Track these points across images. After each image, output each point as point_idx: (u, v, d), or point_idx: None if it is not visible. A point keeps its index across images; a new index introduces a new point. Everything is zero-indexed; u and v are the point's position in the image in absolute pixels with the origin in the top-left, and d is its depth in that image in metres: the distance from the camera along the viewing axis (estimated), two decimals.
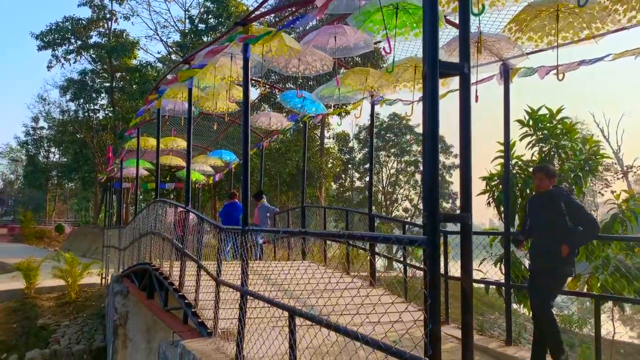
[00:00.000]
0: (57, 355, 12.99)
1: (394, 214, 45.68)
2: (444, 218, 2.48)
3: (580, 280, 6.33)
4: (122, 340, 12.14)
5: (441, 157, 44.71)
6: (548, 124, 6.92)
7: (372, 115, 9.14)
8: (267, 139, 13.52)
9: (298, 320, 4.21)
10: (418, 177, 46.12)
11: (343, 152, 46.48)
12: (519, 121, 7.08)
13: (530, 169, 6.96)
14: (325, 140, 38.03)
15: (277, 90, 12.15)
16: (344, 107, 11.29)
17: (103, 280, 17.10)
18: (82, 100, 36.02)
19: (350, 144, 46.89)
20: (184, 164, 16.39)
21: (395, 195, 46.91)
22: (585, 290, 6.16)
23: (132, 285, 11.80)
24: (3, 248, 29.23)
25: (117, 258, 14.86)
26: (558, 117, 6.84)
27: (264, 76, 11.48)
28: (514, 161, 7.11)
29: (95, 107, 36.86)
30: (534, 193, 5.17)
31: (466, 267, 2.53)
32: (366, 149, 46.26)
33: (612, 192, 6.84)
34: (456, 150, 43.64)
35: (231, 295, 6.82)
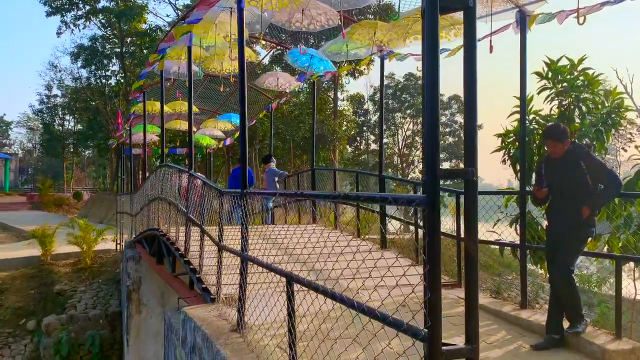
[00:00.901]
0: (74, 320, 13.16)
1: (410, 176, 45.26)
2: (444, 174, 2.18)
3: (600, 240, 6.01)
4: (136, 305, 12.22)
5: (458, 118, 43.93)
6: (568, 76, 6.47)
7: (381, 70, 8.72)
8: (276, 101, 13.16)
9: (299, 286, 3.99)
10: None
11: (358, 115, 45.83)
12: (537, 73, 6.63)
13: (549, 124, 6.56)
14: (339, 103, 37.47)
15: (286, 50, 11.72)
16: (356, 65, 10.92)
17: (118, 246, 17.20)
18: (93, 67, 35.76)
19: (365, 106, 46.18)
20: (195, 128, 16.17)
21: (411, 157, 46.40)
22: (605, 251, 5.84)
23: (143, 251, 11.78)
24: (22, 215, 29.63)
25: (130, 224, 14.86)
26: (579, 68, 6.38)
27: (274, 36, 11.08)
28: (531, 117, 6.71)
29: (107, 73, 36.59)
30: (538, 195, 4.84)
31: (470, 229, 2.25)
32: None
33: (637, 146, 6.44)
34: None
35: (235, 260, 6.67)
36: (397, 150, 46.21)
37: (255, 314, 4.76)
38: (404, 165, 45.71)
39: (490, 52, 5.70)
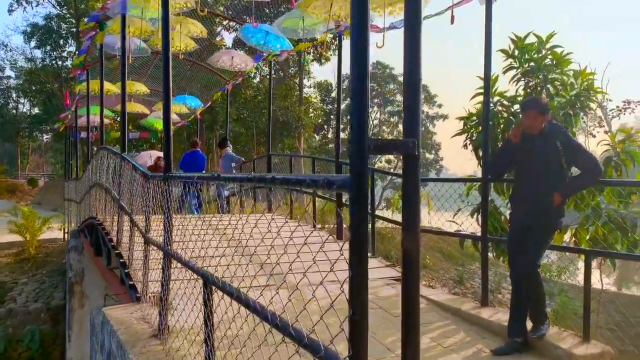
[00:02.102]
0: (12, 314, 12.21)
1: (377, 166, 44.91)
2: (375, 147, 1.58)
3: (567, 232, 5.57)
4: (79, 299, 11.39)
5: (424, 107, 43.74)
6: (536, 55, 5.99)
7: (339, 48, 8.11)
8: (232, 82, 12.40)
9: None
10: (401, 127, 45.06)
11: (325, 103, 45.15)
12: (503, 51, 6.13)
13: (515, 107, 6.09)
14: (306, 90, 36.74)
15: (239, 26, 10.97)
16: (314, 44, 10.24)
17: (65, 235, 16.22)
18: (48, 47, 34.07)
19: (333, 94, 45.45)
20: (147, 111, 15.28)
21: None
22: (572, 244, 5.40)
23: (86, 241, 10.96)
24: None
25: (76, 212, 13.94)
26: (548, 46, 5.91)
27: (231, 9, 10.35)
28: (495, 98, 6.21)
29: (63, 54, 34.94)
30: (515, 135, 4.29)
31: (409, 221, 1.66)
32: (350, 99, 44.97)
33: (606, 132, 6.01)
34: (440, 99, 42.72)
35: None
36: None
37: (184, 316, 4.13)
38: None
39: (452, 22, 5.16)
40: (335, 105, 45.20)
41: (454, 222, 5.92)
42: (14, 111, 43.57)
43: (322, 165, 11.29)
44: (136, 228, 5.39)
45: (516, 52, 6.09)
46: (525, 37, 6.02)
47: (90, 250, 9.91)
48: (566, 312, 13.53)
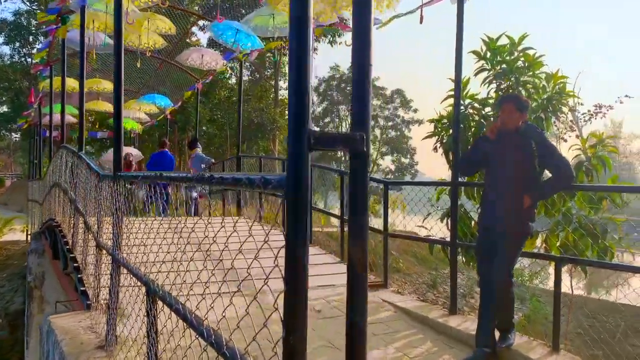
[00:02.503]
0: None
1: None
2: (317, 141, 1.37)
3: (538, 238, 5.45)
4: (38, 304, 10.91)
5: (400, 112, 43.87)
6: (508, 57, 5.88)
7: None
8: (202, 80, 12.08)
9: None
10: (377, 132, 45.20)
11: None
12: (475, 52, 6.00)
13: (487, 110, 5.96)
14: (283, 92, 36.44)
15: (207, 23, 10.68)
16: (285, 43, 10.01)
17: (28, 237, 15.65)
18: (17, 44, 33.13)
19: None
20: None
21: None
22: (543, 250, 5.28)
23: (47, 243, 10.52)
24: None
25: (39, 213, 13.43)
26: (520, 48, 5.79)
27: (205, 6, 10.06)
28: (467, 101, 6.08)
29: (33, 51, 33.97)
30: (492, 130, 4.14)
31: (356, 230, 1.45)
32: (326, 102, 44.89)
33: (577, 136, 5.94)
34: (416, 104, 42.86)
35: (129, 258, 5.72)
36: None
37: (135, 326, 3.86)
38: (347, 157, 45.28)
39: (421, 22, 5.01)
40: (313, 108, 45.08)
41: (423, 226, 5.75)
42: None
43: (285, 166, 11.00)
44: (89, 231, 5.09)
45: (488, 54, 5.96)
46: (498, 38, 5.90)
47: (50, 254, 9.50)
48: (537, 316, 13.52)
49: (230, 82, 26.14)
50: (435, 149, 5.97)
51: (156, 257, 3.47)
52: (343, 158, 45.00)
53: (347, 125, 45.18)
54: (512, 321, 4.09)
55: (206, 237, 2.21)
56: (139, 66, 10.46)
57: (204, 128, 22.54)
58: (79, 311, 4.88)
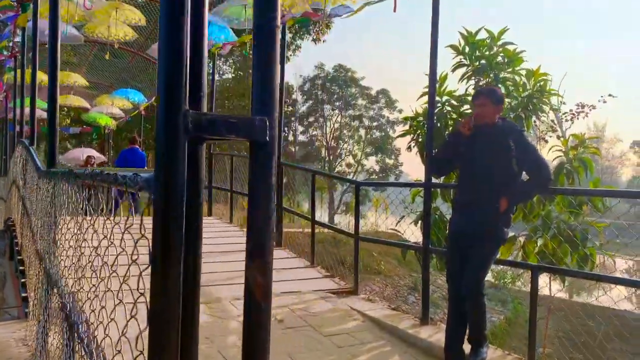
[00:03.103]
0: None
1: (336, 170, 44.46)
2: (198, 126, 1.00)
3: (515, 244, 5.15)
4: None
5: (385, 112, 43.66)
6: (487, 52, 5.57)
7: (283, 41, 7.54)
8: None
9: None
10: (362, 131, 44.96)
11: (286, 104, 44.48)
12: (453, 47, 5.69)
13: (465, 107, 5.65)
14: None
15: None
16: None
17: None
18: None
19: (294, 96, 44.85)
20: (87, 104, 14.34)
21: (339, 150, 45.71)
22: (520, 257, 4.97)
23: (8, 243, 10.02)
24: None
25: (3, 210, 12.89)
26: (500, 42, 5.49)
27: None
28: (444, 98, 5.76)
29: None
30: (464, 125, 3.82)
31: (256, 248, 1.10)
32: (311, 101, 44.54)
33: (559, 137, 5.66)
34: (401, 105, 42.70)
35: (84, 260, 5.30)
36: (325, 143, 45.36)
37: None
38: (332, 157, 44.98)
39: (394, 10, 4.69)
40: (297, 107, 44.73)
41: (396, 230, 5.43)
42: None
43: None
44: (31, 232, 4.68)
45: (467, 49, 5.66)
46: (477, 32, 5.60)
47: (8, 254, 9.02)
48: (518, 319, 13.34)
49: (208, 78, 25.65)
50: (409, 147, 5.65)
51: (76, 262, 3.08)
52: (328, 158, 44.74)
53: (332, 125, 44.91)
54: (484, 333, 3.76)
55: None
56: (107, 58, 10.00)
57: None
58: (18, 320, 4.47)
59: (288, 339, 4.23)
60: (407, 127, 6.03)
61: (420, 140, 5.72)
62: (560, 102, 5.56)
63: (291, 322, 4.61)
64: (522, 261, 4.58)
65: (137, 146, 10.71)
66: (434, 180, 4.89)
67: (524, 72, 5.55)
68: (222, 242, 7.02)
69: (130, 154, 10.54)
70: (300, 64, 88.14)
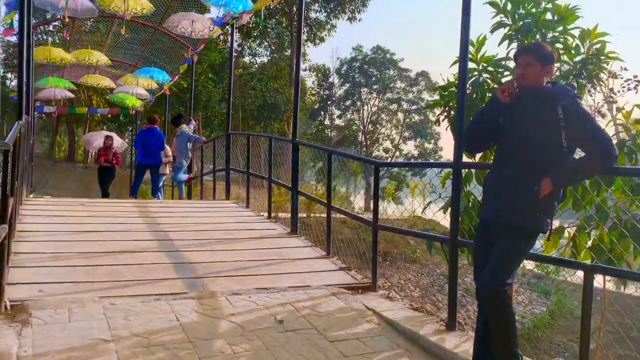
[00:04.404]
0: None
1: (374, 155, 43.44)
2: None
3: (563, 235, 4.32)
4: None
5: (425, 95, 42.28)
6: (533, 9, 4.71)
7: (300, 5, 6.81)
8: (192, 49, 11.06)
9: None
10: (400, 115, 43.76)
11: (323, 88, 43.69)
12: (492, 4, 4.84)
13: (506, 74, 4.81)
14: (301, 73, 35.26)
15: None
16: (311, 27, 8.94)
17: None
18: (34, 20, 32.60)
19: (331, 79, 43.93)
20: (113, 84, 13.99)
21: (376, 135, 44.63)
22: (570, 251, 4.14)
23: None
24: None
25: None
26: None
27: None
28: (481, 65, 4.93)
29: (49, 28, 33.47)
30: (504, 90, 3.04)
31: None
32: (348, 84, 43.51)
33: (619, 109, 4.75)
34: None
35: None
36: (362, 127, 44.37)
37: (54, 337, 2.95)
38: (368, 142, 43.98)
39: None
40: (333, 91, 43.82)
41: (420, 217, 4.67)
42: None
43: (315, 152, 10.20)
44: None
45: (508, 6, 4.80)
46: None
47: None
48: (562, 311, 12.46)
49: (243, 60, 25.18)
50: (437, 121, 4.86)
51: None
52: (364, 143, 43.74)
53: (370, 109, 43.82)
54: (513, 350, 2.96)
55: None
56: (123, 33, 9.50)
57: (213, 107, 21.61)
58: None
59: (285, 344, 3.57)
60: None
61: (452, 114, 4.92)
62: (622, 68, 4.65)
63: (293, 323, 3.95)
64: (572, 259, 3.75)
65: (156, 125, 10.23)
66: (465, 159, 4.11)
67: (577, 33, 4.66)
68: (231, 227, 6.42)
69: (149, 132, 10.10)
70: (337, 46, 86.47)
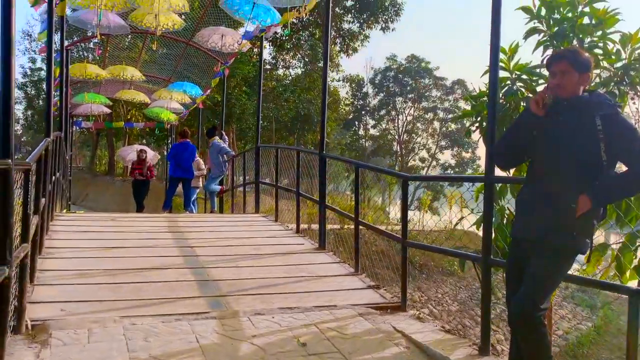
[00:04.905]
0: None
1: (410, 164, 43.02)
2: None
3: (606, 253, 4.03)
4: None
5: (462, 104, 41.58)
6: (569, 13, 4.46)
7: (327, 17, 6.71)
8: (223, 62, 11.11)
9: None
10: (437, 124, 43.23)
11: (357, 98, 43.59)
12: (524, 9, 4.61)
13: (541, 82, 4.58)
14: (334, 83, 35.28)
15: None
16: (344, 38, 8.85)
17: None
18: (75, 38, 33.78)
19: (365, 89, 43.79)
20: (147, 99, 14.24)
21: (411, 145, 44.18)
22: (611, 274, 3.86)
23: None
24: None
25: None
26: (586, 1, 4.37)
27: None
28: (515, 73, 4.71)
29: (90, 45, 34.59)
30: (537, 102, 2.84)
31: None
32: (382, 94, 43.26)
33: None
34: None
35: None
36: (397, 137, 44.01)
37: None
38: (404, 152, 43.55)
39: None
40: (367, 101, 43.64)
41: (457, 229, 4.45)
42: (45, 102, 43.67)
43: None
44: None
45: (543, 11, 4.56)
46: None
47: None
48: (609, 327, 11.91)
49: (277, 72, 25.33)
50: (468, 133, 4.65)
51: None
52: (400, 152, 43.34)
53: (405, 118, 43.43)
54: None
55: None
56: (154, 48, 9.62)
57: (247, 119, 21.76)
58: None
59: None
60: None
61: (484, 124, 4.70)
62: None
63: (316, 346, 3.80)
64: (615, 282, 3.48)
65: (188, 139, 10.32)
66: (498, 171, 3.90)
67: (617, 37, 4.39)
68: (259, 242, 6.33)
69: (182, 147, 10.20)
70: (371, 56, 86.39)
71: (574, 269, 3.29)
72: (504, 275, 3.16)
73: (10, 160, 2.78)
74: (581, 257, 2.94)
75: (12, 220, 2.80)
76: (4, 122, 2.70)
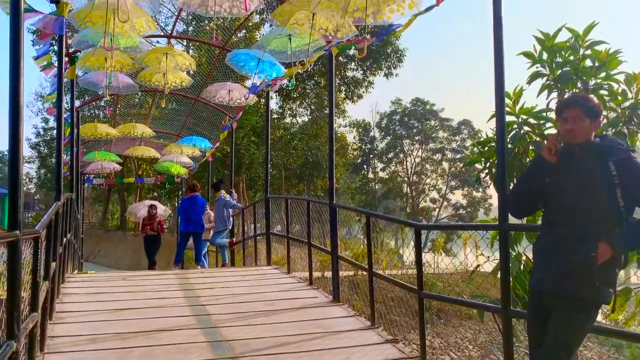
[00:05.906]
0: None
1: (421, 206, 42.87)
2: None
3: (630, 298, 3.89)
4: None
5: (468, 143, 41.73)
6: (571, 56, 4.48)
7: (330, 66, 6.81)
8: (231, 116, 11.26)
9: None
10: (445, 165, 43.27)
11: (364, 142, 43.97)
12: (526, 54, 4.64)
13: (547, 126, 4.56)
14: (341, 129, 35.69)
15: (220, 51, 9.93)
16: (349, 85, 9.00)
17: None
18: (86, 97, 34.67)
19: (371, 133, 44.20)
20: (157, 154, 14.40)
21: (421, 186, 44.12)
22: (636, 317, 3.72)
23: None
24: None
25: None
26: (587, 42, 4.39)
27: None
28: (521, 118, 4.70)
29: (102, 103, 35.43)
30: (549, 149, 2.81)
31: None
32: (389, 137, 43.61)
33: None
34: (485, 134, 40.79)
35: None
36: (406, 179, 44.04)
37: None
38: (414, 194, 43.44)
39: (437, 5, 3.79)
40: (375, 144, 43.92)
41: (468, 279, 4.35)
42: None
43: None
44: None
45: (544, 55, 4.59)
46: (556, 33, 4.53)
47: None
48: None
49: (284, 121, 25.67)
50: (477, 180, 4.60)
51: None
52: (410, 194, 43.23)
53: (413, 160, 43.57)
54: None
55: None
56: (163, 105, 9.80)
57: (255, 169, 21.94)
58: None
59: None
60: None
61: (494, 170, 4.66)
62: None
63: None
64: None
65: (197, 193, 10.34)
66: (512, 220, 3.82)
67: (622, 77, 4.39)
68: (271, 297, 6.21)
69: (191, 201, 10.19)
70: (376, 101, 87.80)
71: (600, 314, 3.16)
72: (526, 325, 3.05)
73: (18, 232, 2.76)
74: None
75: (20, 293, 2.76)
76: (12, 196, 2.71)
